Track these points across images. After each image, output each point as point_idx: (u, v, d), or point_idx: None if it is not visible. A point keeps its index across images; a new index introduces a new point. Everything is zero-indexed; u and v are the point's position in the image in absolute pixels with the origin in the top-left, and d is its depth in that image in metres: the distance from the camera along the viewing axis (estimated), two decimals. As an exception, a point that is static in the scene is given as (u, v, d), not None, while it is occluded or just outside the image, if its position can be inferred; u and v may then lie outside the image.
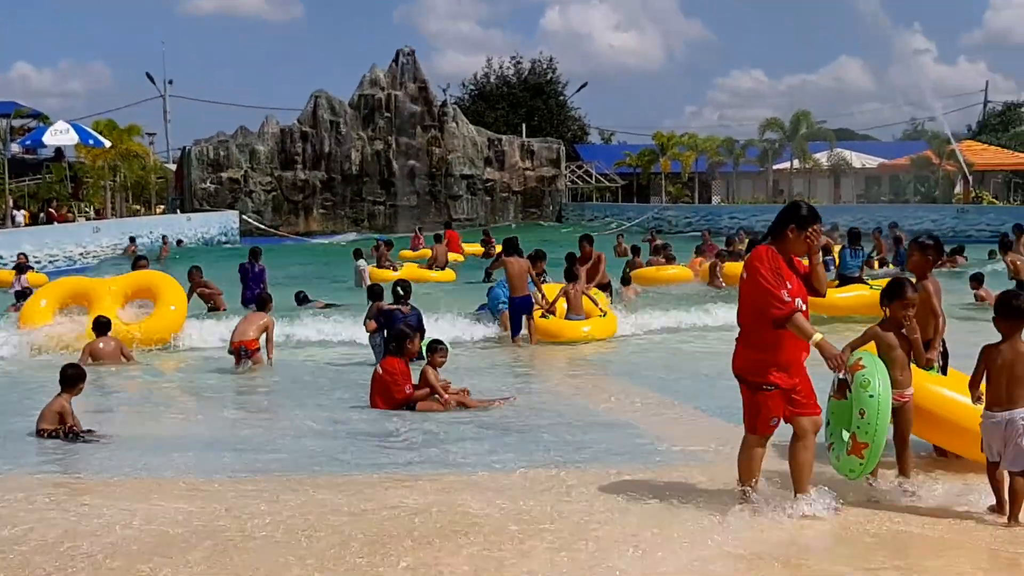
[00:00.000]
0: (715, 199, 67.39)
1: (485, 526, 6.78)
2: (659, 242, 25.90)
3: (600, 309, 16.73)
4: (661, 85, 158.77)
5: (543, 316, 16.32)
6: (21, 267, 25.56)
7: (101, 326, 14.43)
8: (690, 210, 55.94)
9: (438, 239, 30.93)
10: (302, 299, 20.30)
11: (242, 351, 13.72)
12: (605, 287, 19.02)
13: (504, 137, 57.79)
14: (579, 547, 6.28)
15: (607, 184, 64.26)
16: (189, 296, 17.75)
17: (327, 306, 19.73)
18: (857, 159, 63.93)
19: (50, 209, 44.09)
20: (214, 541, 6.50)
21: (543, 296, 16.40)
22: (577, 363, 14.96)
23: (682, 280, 24.00)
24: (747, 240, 25.12)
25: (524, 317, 15.93)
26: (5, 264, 29.51)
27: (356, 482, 8.17)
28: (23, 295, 19.28)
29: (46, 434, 9.67)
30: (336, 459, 9.02)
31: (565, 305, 16.45)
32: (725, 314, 16.52)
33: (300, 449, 9.41)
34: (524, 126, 63.84)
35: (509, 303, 16.11)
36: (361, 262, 24.94)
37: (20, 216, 41.67)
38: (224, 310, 18.75)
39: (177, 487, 8.05)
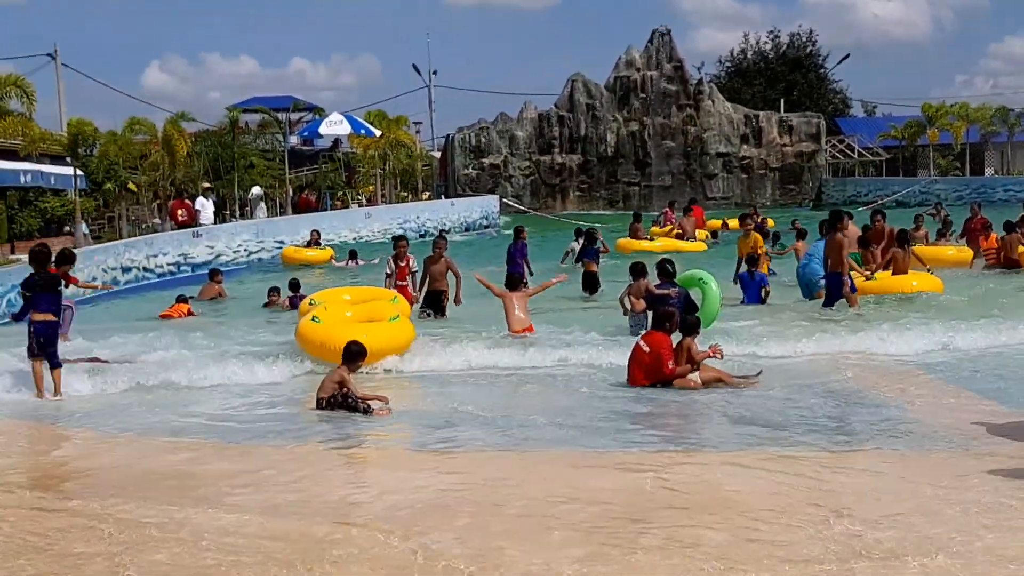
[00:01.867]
0: (988, 171, 63.55)
1: (742, 503, 6.87)
2: (944, 213, 24.15)
3: (925, 266, 18.39)
4: (928, 54, 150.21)
5: (867, 279, 17.40)
6: (314, 242, 31.10)
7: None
8: (960, 183, 53.06)
9: (687, 211, 31.55)
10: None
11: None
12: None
13: (761, 113, 56.66)
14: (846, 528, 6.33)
15: (870, 158, 61.86)
16: (424, 276, 17.26)
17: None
18: None
19: (302, 195, 46.66)
20: (476, 508, 6.91)
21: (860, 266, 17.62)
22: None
23: (960, 262, 22.51)
24: None
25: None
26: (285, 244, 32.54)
27: (613, 457, 8.42)
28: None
29: (324, 402, 10.44)
30: (592, 435, 9.29)
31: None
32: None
33: (557, 424, 9.71)
34: (782, 101, 62.34)
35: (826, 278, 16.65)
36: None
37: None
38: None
39: (442, 459, 8.55)
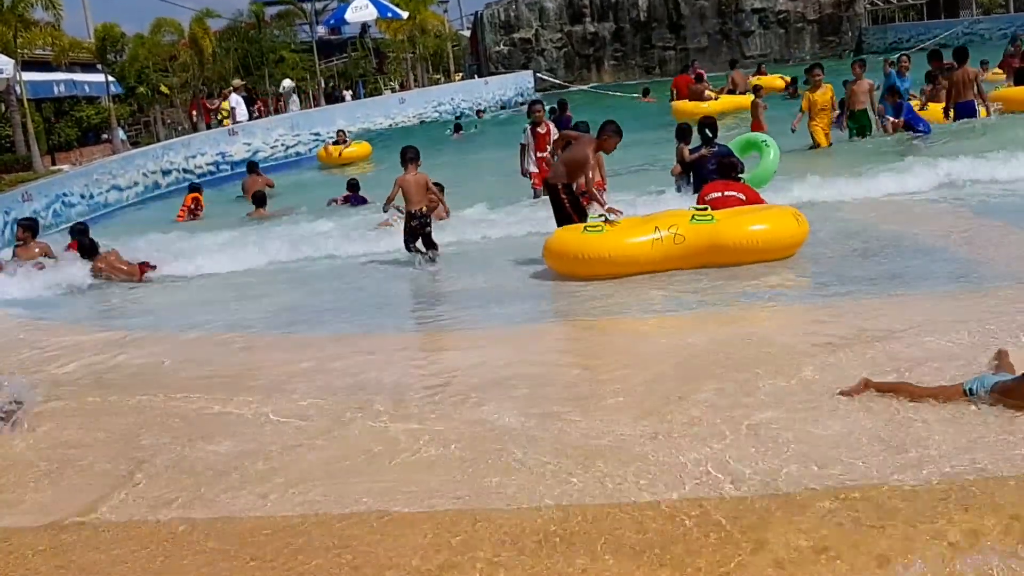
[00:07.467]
0: (1036, 5, 61.51)
1: (783, 355, 6.87)
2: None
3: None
4: None
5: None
6: (341, 141, 28.86)
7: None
8: (1005, 21, 51.47)
9: (732, 64, 31.29)
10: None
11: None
12: None
13: (796, -37, 55.10)
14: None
15: (910, 2, 60.12)
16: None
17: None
18: None
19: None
20: (532, 382, 6.99)
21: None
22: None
23: None
24: None
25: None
26: (324, 141, 31.91)
27: (647, 322, 8.51)
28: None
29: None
30: (637, 303, 9.36)
31: None
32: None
33: (584, 295, 9.62)
34: (817, -51, 60.46)
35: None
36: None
37: (348, 95, 44.52)
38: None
39: (491, 335, 8.65)
